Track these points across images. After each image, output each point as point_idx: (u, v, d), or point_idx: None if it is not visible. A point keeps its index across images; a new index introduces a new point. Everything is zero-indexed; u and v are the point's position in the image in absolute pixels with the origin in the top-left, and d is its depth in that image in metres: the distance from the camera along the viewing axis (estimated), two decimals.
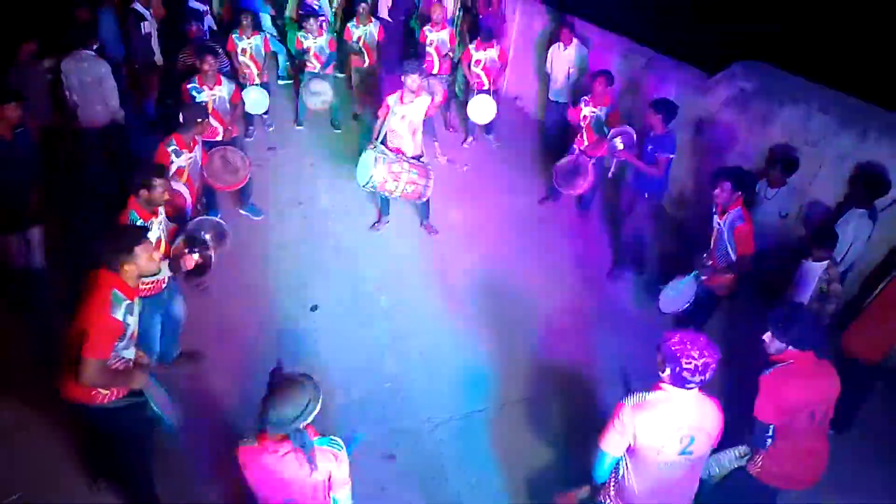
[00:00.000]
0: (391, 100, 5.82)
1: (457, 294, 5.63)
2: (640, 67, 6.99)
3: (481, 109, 7.46)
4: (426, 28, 7.68)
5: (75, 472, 3.95)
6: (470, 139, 8.11)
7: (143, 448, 3.52)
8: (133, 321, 3.22)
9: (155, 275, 3.78)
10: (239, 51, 7.22)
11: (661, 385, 2.68)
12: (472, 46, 7.50)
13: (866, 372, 4.39)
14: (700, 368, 2.56)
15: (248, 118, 7.65)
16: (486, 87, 7.46)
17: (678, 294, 4.79)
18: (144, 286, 3.83)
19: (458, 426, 4.46)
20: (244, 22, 7.24)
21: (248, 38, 7.26)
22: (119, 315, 3.08)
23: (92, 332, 2.98)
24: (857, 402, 4.50)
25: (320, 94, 7.42)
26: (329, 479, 2.57)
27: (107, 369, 3.10)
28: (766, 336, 3.18)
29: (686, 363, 2.56)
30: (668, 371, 2.64)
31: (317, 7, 8.50)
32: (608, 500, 2.91)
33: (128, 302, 3.14)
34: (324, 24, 7.79)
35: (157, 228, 4.07)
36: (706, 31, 6.98)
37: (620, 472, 2.82)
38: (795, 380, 3.08)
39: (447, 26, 7.80)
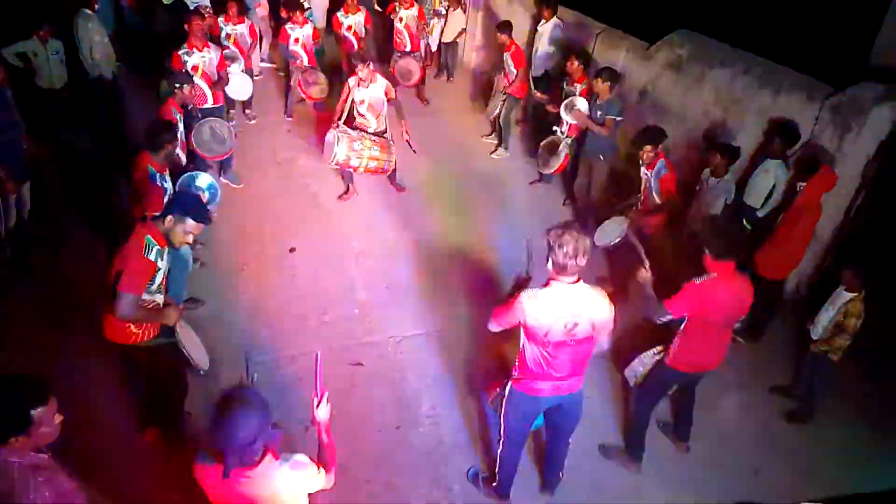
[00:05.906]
0: (352, 82, 6.25)
1: (420, 240, 6.28)
2: (594, 39, 7.64)
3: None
4: (395, 5, 7.98)
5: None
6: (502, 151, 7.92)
7: (175, 384, 3.90)
8: (163, 266, 3.54)
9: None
10: (223, 36, 7.25)
11: (550, 281, 3.14)
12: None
13: (774, 289, 5.15)
14: (572, 253, 3.02)
15: (229, 101, 7.39)
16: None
17: (608, 232, 5.49)
18: None
19: (417, 342, 5.14)
20: (230, 10, 7.27)
21: (234, 24, 7.34)
22: (152, 257, 3.43)
23: (127, 270, 3.35)
24: (767, 316, 5.22)
25: (317, 83, 7.49)
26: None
27: (140, 305, 3.44)
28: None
29: (561, 250, 3.02)
30: (550, 261, 3.09)
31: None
32: (514, 371, 3.44)
33: (158, 248, 3.47)
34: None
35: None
36: (647, 5, 7.68)
37: (520, 346, 3.32)
38: (717, 289, 3.59)
39: (415, 3, 8.10)
